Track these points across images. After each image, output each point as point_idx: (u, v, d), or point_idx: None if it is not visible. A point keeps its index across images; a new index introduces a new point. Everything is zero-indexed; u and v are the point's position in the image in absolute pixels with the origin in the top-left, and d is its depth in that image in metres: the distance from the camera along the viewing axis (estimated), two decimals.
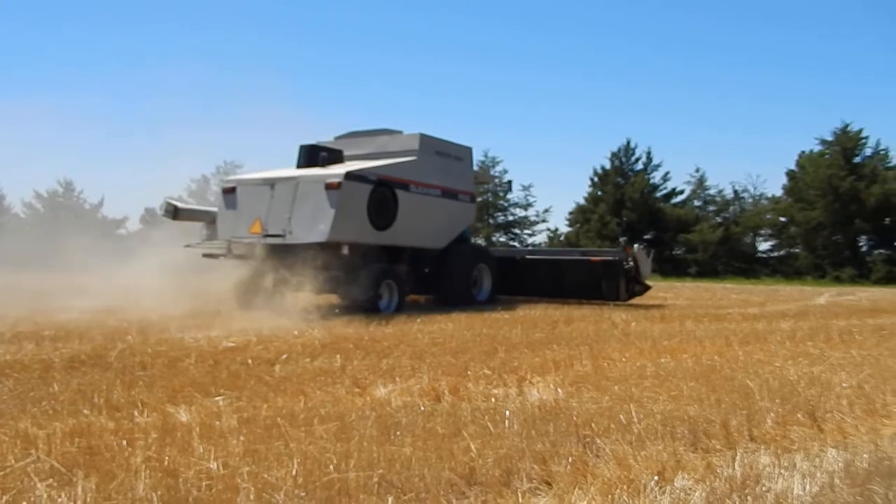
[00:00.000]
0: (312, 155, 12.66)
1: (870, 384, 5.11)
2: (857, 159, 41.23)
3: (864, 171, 40.22)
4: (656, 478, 3.03)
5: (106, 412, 4.21)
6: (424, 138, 13.41)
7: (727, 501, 2.80)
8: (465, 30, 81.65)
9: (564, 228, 49.21)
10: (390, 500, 2.72)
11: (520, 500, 2.80)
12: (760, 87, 71.96)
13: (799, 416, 4.24)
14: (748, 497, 2.84)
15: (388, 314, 11.20)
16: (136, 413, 4.20)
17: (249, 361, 6.14)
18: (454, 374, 5.49)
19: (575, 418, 3.88)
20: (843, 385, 5.13)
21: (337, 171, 11.71)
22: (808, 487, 2.93)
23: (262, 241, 11.58)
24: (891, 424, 4.30)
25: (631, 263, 14.78)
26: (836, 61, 68.81)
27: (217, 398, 4.60)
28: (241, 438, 3.48)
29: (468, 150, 14.65)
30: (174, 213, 13.33)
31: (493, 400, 4.57)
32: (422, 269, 13.55)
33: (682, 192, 48.35)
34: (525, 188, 49.71)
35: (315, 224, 11.19)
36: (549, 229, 50.04)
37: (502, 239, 49.54)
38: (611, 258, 15.12)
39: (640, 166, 47.86)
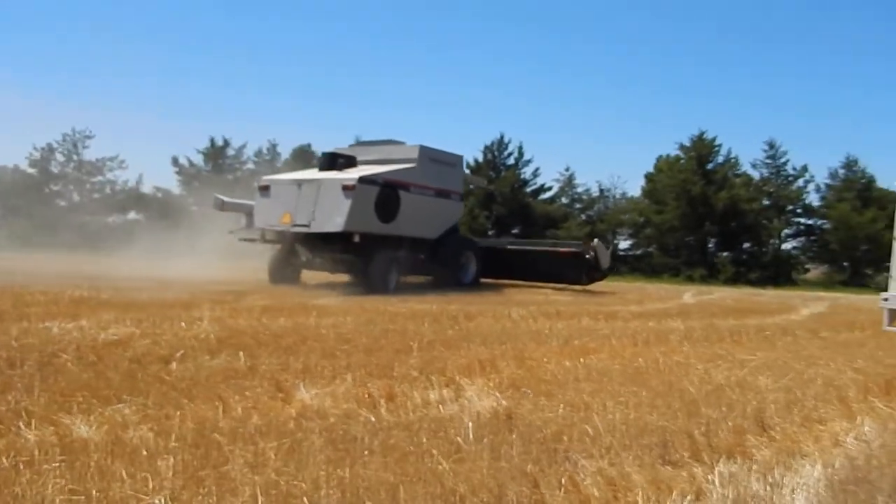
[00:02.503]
0: (332, 160, 15.50)
1: (799, 389, 5.18)
2: (709, 165, 43.85)
3: (715, 177, 42.85)
4: (653, 501, 2.80)
5: None
6: (423, 149, 16.13)
7: None
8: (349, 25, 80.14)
9: None
10: None
11: None
12: (631, 89, 74.82)
13: (746, 423, 4.19)
14: None
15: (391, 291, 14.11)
16: (21, 426, 3.51)
17: (140, 359, 5.46)
18: (380, 377, 5.08)
19: (543, 431, 3.60)
20: (770, 389, 5.18)
21: (352, 175, 14.41)
22: None
23: (291, 230, 14.29)
24: (826, 430, 4.33)
25: (592, 255, 17.38)
26: (698, 70, 72.77)
27: (119, 405, 3.96)
28: (174, 460, 2.92)
29: (459, 158, 17.64)
30: (221, 205, 16.17)
31: (440, 408, 4.20)
32: (418, 256, 15.89)
33: (550, 188, 49.46)
34: None
35: (334, 217, 13.79)
36: None
37: None
38: (575, 250, 17.98)
39: (511, 161, 48.47)
